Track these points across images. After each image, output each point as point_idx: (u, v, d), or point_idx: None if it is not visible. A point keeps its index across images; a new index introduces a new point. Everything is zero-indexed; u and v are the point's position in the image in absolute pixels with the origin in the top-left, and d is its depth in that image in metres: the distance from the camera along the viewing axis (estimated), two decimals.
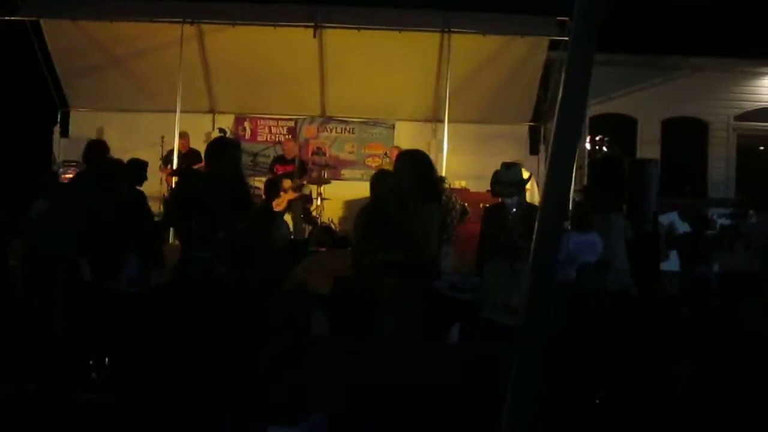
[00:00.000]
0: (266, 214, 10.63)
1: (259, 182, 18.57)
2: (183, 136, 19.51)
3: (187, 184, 12.04)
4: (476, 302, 7.33)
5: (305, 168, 19.63)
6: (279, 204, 18.37)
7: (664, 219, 16.56)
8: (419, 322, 7.69)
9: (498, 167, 10.99)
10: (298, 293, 7.79)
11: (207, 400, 6.32)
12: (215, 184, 9.67)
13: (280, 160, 19.96)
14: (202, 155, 18.49)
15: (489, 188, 11.52)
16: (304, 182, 19.24)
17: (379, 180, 11.36)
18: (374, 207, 9.39)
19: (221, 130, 19.57)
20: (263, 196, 16.70)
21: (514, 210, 10.70)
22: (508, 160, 12.78)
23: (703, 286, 12.98)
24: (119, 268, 9.18)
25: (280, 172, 19.17)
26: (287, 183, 18.53)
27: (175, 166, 18.85)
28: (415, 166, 9.28)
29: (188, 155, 19.35)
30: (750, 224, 15.33)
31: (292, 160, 19.55)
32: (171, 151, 19.33)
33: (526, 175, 12.57)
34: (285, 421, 5.06)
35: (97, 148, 12.31)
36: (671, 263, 15.04)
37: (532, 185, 15.68)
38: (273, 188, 16.91)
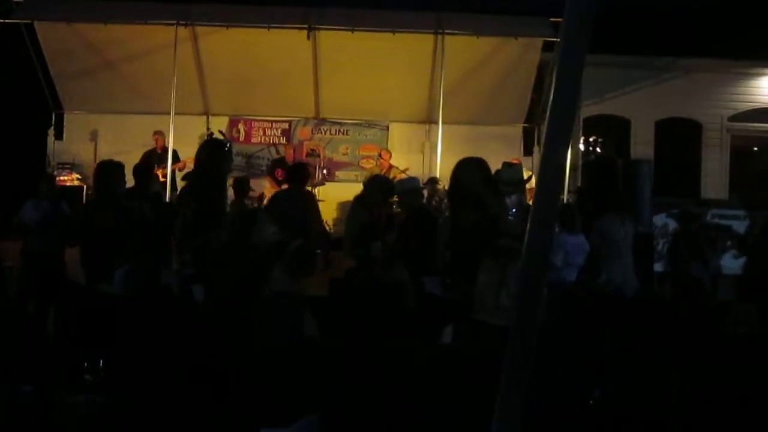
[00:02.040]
0: (248, 218, 10.62)
1: (255, 184, 18.58)
2: (158, 133, 19.52)
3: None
4: (469, 303, 7.34)
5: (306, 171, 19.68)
6: None
7: (658, 220, 16.60)
8: (413, 322, 7.72)
9: (493, 168, 10.99)
10: (289, 295, 7.77)
11: (200, 402, 6.33)
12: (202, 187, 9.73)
13: (281, 164, 20.00)
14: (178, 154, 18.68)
15: None
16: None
17: (373, 185, 11.43)
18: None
19: (220, 132, 19.54)
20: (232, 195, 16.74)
21: (514, 210, 10.72)
22: (502, 161, 12.81)
23: (696, 286, 12.99)
24: (113, 270, 9.17)
25: (281, 178, 19.21)
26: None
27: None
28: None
29: (163, 154, 19.27)
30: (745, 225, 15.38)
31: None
32: (151, 151, 19.34)
33: (526, 174, 12.61)
34: (277, 422, 5.08)
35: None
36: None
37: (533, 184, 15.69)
38: (242, 187, 16.91)
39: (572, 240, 12.08)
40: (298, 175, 13.74)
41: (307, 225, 12.36)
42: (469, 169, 9.97)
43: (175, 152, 18.81)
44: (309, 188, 19.35)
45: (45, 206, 12.50)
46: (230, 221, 11.15)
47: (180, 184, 15.94)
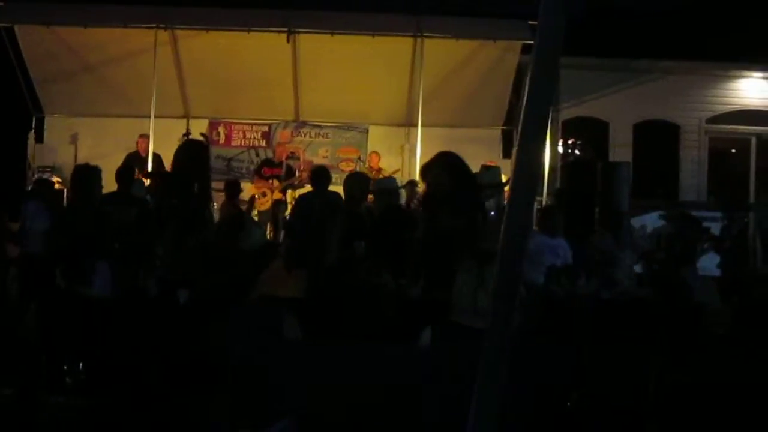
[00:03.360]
0: (235, 222, 10.63)
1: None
2: (144, 136, 19.46)
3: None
4: (447, 305, 7.37)
5: (292, 171, 19.69)
6: (264, 203, 18.51)
7: (636, 222, 16.65)
8: (391, 324, 7.74)
9: (471, 171, 10.99)
10: (267, 298, 7.80)
11: (178, 405, 6.35)
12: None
13: (268, 163, 20.07)
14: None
15: None
16: (293, 182, 19.33)
17: (353, 182, 11.42)
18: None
19: (202, 134, 19.50)
20: (224, 197, 16.77)
21: (492, 213, 10.74)
22: (480, 163, 12.82)
23: (682, 287, 13.05)
24: (92, 273, 9.18)
25: (268, 174, 19.24)
26: (276, 183, 18.69)
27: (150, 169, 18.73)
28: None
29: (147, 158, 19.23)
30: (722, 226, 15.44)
31: (280, 164, 19.60)
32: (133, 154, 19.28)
33: (504, 178, 12.63)
34: (255, 424, 5.10)
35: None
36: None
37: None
38: (233, 188, 16.98)
39: (547, 242, 12.10)
40: (322, 178, 13.81)
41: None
42: (439, 174, 9.88)
43: (158, 156, 18.78)
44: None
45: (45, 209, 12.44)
46: (218, 225, 11.18)
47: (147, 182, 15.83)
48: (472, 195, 9.52)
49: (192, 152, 10.44)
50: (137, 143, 19.49)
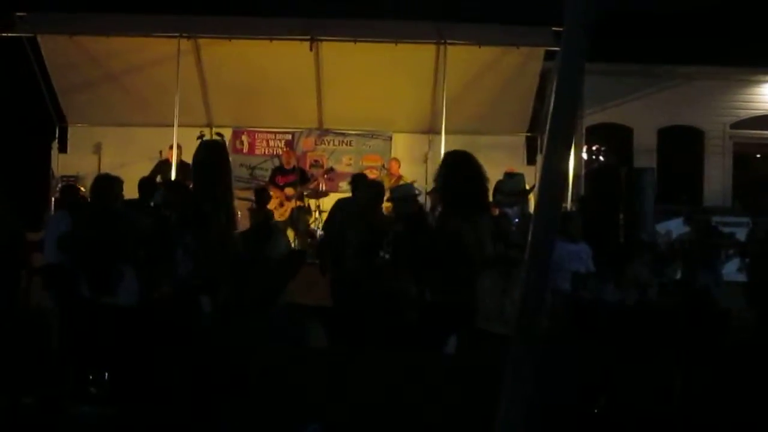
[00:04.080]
0: (264, 231, 10.63)
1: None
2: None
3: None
4: (470, 311, 7.35)
5: (306, 176, 19.71)
6: (282, 214, 18.48)
7: (662, 227, 16.59)
8: (414, 331, 7.72)
9: (495, 178, 10.96)
10: (292, 306, 7.80)
11: (205, 414, 6.35)
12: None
13: (280, 170, 20.06)
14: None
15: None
16: (308, 189, 19.34)
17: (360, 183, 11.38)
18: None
19: (218, 134, 19.46)
20: (254, 205, 16.75)
21: (516, 220, 10.70)
22: (505, 170, 12.78)
23: (704, 294, 13.00)
24: (116, 282, 9.19)
25: (282, 183, 19.25)
26: (290, 191, 18.68)
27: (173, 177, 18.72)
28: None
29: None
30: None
31: (292, 170, 19.63)
32: (164, 162, 19.28)
33: (528, 185, 12.60)
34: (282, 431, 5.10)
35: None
36: None
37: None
38: (263, 196, 17.00)
39: (569, 248, 12.07)
40: (361, 185, 13.84)
41: None
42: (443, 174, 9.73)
43: (185, 164, 18.78)
44: (308, 200, 19.48)
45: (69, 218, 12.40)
46: (246, 233, 11.16)
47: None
48: (476, 196, 9.33)
49: (213, 151, 10.38)
50: (169, 153, 19.45)
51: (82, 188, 18.39)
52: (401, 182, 18.99)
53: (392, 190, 13.04)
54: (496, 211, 11.39)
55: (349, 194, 15.64)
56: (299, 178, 19.40)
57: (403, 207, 11.81)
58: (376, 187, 12.93)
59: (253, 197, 17.34)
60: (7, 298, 11.57)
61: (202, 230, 9.54)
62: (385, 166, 21.13)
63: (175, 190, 12.53)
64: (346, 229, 11.76)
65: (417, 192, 12.42)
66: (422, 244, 9.84)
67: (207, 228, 9.54)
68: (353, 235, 11.28)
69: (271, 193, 18.91)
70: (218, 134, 17.58)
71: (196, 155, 10.40)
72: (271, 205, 18.42)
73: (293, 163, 20.08)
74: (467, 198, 9.05)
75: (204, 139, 11.78)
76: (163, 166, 19.05)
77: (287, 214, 18.72)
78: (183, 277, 9.41)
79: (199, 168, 10.25)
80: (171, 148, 19.26)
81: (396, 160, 20.92)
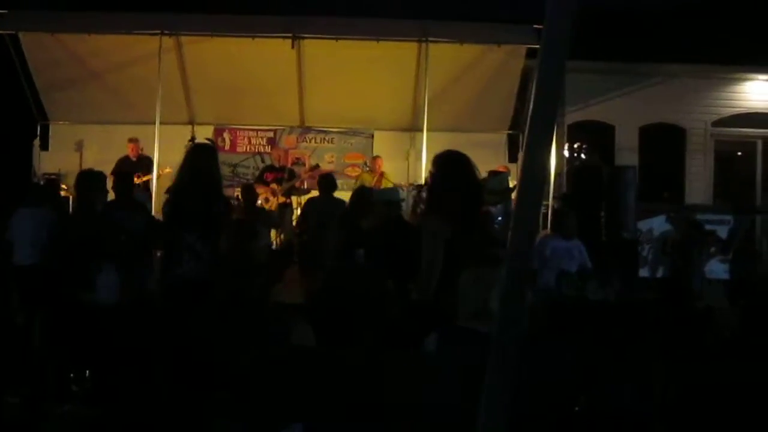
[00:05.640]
0: (247, 229, 10.62)
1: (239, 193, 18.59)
2: (133, 140, 19.54)
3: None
4: (453, 310, 7.34)
5: (294, 173, 19.73)
6: (269, 207, 18.50)
7: (644, 225, 16.64)
8: (399, 330, 7.70)
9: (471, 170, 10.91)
10: (277, 305, 7.79)
11: (188, 411, 6.33)
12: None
13: (270, 168, 20.13)
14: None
15: None
16: (295, 185, 19.37)
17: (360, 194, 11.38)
18: None
19: (208, 139, 19.46)
20: (241, 202, 16.78)
21: (500, 218, 10.71)
22: (487, 168, 12.79)
23: (687, 292, 13.05)
24: (96, 279, 9.17)
25: (270, 179, 19.26)
26: (276, 187, 18.71)
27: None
28: None
29: (138, 162, 19.26)
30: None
31: (282, 168, 19.67)
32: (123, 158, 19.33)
33: (512, 183, 12.59)
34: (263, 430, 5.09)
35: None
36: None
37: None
38: (250, 193, 17.01)
39: (562, 245, 12.08)
40: (327, 185, 13.86)
41: None
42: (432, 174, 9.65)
43: (149, 159, 18.76)
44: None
45: (34, 216, 12.28)
46: (229, 230, 11.14)
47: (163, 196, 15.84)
48: (466, 196, 9.24)
49: (206, 155, 10.40)
50: (130, 147, 19.49)
51: (64, 186, 18.42)
52: (384, 180, 19.03)
53: (375, 194, 13.03)
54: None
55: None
56: (287, 176, 19.41)
57: (386, 211, 11.79)
58: (364, 196, 12.94)
59: (235, 195, 17.36)
60: None
61: (211, 233, 9.57)
62: (368, 163, 21.13)
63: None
64: (326, 230, 11.75)
65: (401, 197, 12.41)
66: (401, 243, 9.83)
67: (216, 231, 9.57)
68: (333, 236, 11.28)
69: (258, 190, 18.93)
70: (208, 139, 17.66)
71: (196, 160, 10.40)
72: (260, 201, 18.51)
73: (283, 161, 20.15)
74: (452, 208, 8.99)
75: (197, 142, 11.82)
76: (126, 162, 19.04)
77: (274, 207, 18.74)
78: (183, 277, 9.43)
79: (200, 172, 10.25)
80: (130, 141, 19.32)
81: (380, 156, 20.91)
